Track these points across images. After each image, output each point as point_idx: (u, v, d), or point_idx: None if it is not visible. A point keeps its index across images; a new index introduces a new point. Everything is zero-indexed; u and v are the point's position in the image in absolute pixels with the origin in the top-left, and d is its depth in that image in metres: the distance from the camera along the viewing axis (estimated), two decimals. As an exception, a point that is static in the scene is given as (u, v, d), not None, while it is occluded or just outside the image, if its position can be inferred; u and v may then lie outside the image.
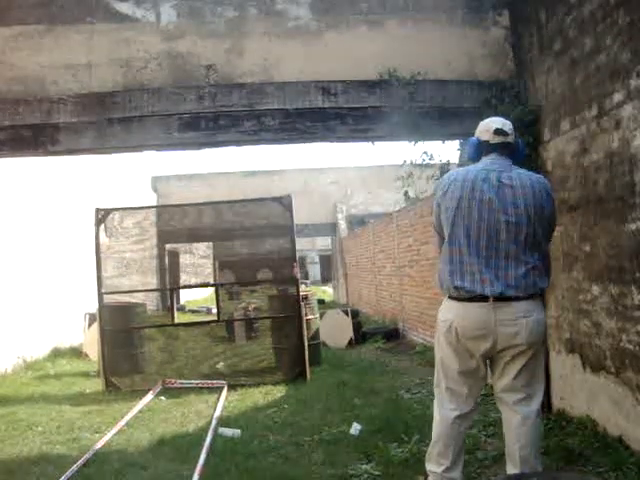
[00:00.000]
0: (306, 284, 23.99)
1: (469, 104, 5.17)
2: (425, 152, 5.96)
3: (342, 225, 22.21)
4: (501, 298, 3.12)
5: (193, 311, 19.46)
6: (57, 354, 10.38)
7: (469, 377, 3.31)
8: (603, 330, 4.14)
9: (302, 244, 27.53)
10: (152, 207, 12.84)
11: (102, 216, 8.00)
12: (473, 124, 3.69)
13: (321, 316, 10.07)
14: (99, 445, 4.95)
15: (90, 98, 5.07)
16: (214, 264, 17.02)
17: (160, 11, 5.21)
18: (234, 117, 5.16)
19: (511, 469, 3.24)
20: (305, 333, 7.78)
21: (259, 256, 11.06)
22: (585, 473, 3.72)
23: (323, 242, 32.95)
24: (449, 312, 3.29)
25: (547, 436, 4.22)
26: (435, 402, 3.45)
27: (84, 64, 5.10)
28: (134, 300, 8.75)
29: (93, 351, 9.50)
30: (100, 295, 7.84)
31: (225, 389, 7.07)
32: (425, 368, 8.05)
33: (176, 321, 8.78)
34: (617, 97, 3.81)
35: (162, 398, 6.90)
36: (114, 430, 5.42)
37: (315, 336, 8.80)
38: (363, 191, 22.88)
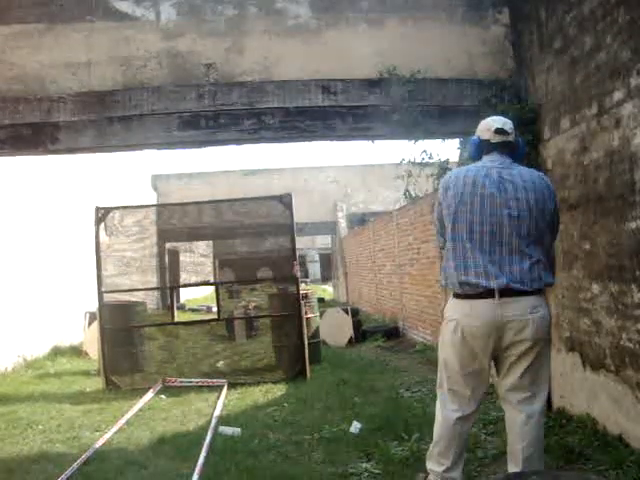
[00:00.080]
0: (306, 282, 24.02)
1: (469, 102, 5.17)
2: (424, 151, 5.96)
3: (342, 223, 22.22)
4: (507, 293, 3.12)
5: (193, 310, 19.46)
6: (57, 353, 10.39)
7: (472, 379, 3.30)
8: (603, 328, 4.14)
9: (302, 242, 27.52)
10: (152, 206, 12.82)
11: (102, 215, 8.00)
12: (473, 122, 3.69)
13: (321, 314, 10.08)
14: (99, 443, 4.95)
15: (90, 97, 5.07)
16: (214, 263, 17.06)
17: (160, 9, 5.20)
18: (234, 116, 5.16)
19: (512, 468, 3.23)
20: (305, 331, 7.78)
21: (259, 255, 11.06)
22: (585, 471, 3.72)
23: (323, 240, 32.94)
24: (455, 311, 3.29)
25: (547, 434, 4.21)
26: (437, 402, 3.45)
27: (84, 63, 5.10)
28: (134, 299, 8.74)
29: (93, 350, 9.51)
30: (100, 294, 7.84)
31: (225, 388, 7.07)
32: (425, 366, 8.05)
33: (176, 320, 8.79)
34: (617, 95, 3.81)
35: (162, 397, 6.90)
36: (114, 429, 5.42)
37: (315, 334, 8.81)
38: (363, 189, 22.89)
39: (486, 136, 3.40)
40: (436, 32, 5.30)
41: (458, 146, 5.99)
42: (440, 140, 5.87)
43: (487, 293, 3.14)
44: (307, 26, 5.28)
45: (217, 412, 5.87)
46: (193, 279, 23.16)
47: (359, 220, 20.81)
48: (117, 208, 8.49)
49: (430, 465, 3.40)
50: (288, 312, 7.97)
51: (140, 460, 4.57)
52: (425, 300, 10.27)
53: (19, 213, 9.66)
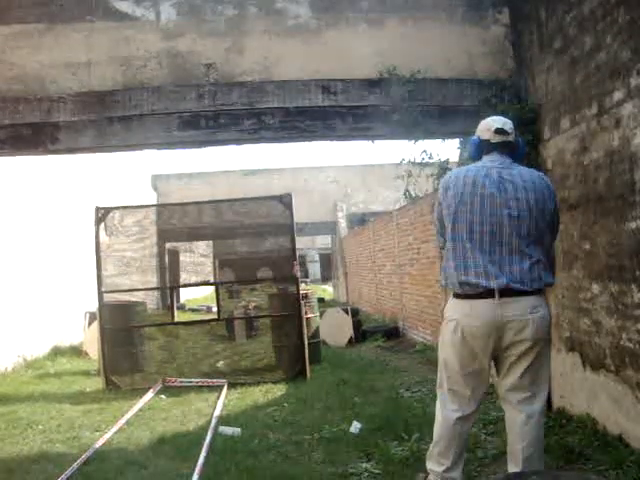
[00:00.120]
0: (306, 282, 24.01)
1: (469, 102, 5.17)
2: (424, 151, 5.96)
3: (342, 223, 22.22)
4: (507, 293, 3.12)
5: (193, 310, 19.46)
6: (57, 353, 10.39)
7: (472, 379, 3.30)
8: (603, 328, 4.14)
9: (302, 242, 27.53)
10: (152, 206, 12.82)
11: (102, 215, 8.00)
12: (473, 122, 3.69)
13: (321, 314, 10.08)
14: (99, 443, 4.95)
15: (90, 97, 5.07)
16: (214, 263, 17.06)
17: (160, 9, 5.20)
18: (234, 116, 5.16)
19: (512, 468, 3.23)
20: (305, 331, 7.78)
21: (259, 255, 11.06)
22: (585, 471, 3.72)
23: (323, 240, 32.93)
24: (455, 311, 3.28)
25: (547, 434, 4.20)
26: (437, 402, 3.45)
27: (84, 63, 5.11)
28: (134, 299, 8.74)
29: (93, 350, 9.51)
30: (100, 294, 7.84)
31: (225, 387, 7.07)
32: (425, 366, 8.05)
33: (176, 320, 8.79)
34: (617, 95, 3.81)
35: (162, 397, 6.90)
36: (114, 429, 5.42)
37: (315, 334, 8.81)
38: (363, 189, 22.90)
39: (486, 136, 3.40)
40: (436, 32, 5.30)
41: (458, 146, 5.99)
42: (440, 140, 5.87)
43: (487, 293, 3.14)
44: (307, 26, 5.28)
45: (217, 412, 5.87)
46: (193, 279, 23.15)
47: (359, 220, 20.81)
48: (117, 208, 8.49)
49: (430, 465, 3.40)
50: (288, 312, 7.97)
51: (140, 460, 4.57)
52: (425, 300, 10.27)
53: (19, 213, 9.66)
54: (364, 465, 4.17)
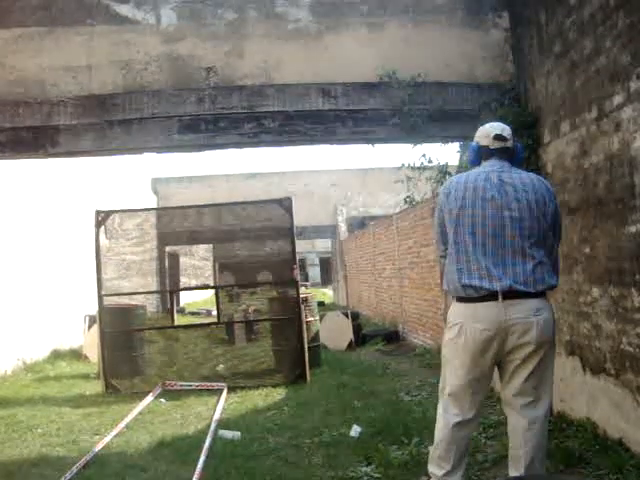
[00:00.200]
0: (306, 286, 23.99)
1: (469, 106, 5.17)
2: (424, 155, 5.98)
3: (342, 227, 22.23)
4: (510, 295, 3.12)
5: (193, 313, 19.45)
6: (57, 356, 10.38)
7: (475, 383, 3.28)
8: (603, 332, 4.14)
9: (302, 246, 27.53)
10: (152, 209, 12.85)
11: (102, 218, 8.01)
12: (473, 126, 3.70)
13: (321, 318, 10.07)
14: (99, 447, 4.94)
15: (90, 100, 5.07)
16: (214, 266, 17.03)
17: (160, 13, 5.21)
18: (234, 119, 5.17)
19: (513, 472, 3.22)
20: (305, 335, 7.78)
21: (259, 258, 11.04)
22: (585, 476, 3.71)
23: (323, 244, 32.94)
24: (458, 315, 3.28)
25: (547, 439, 4.22)
26: (439, 406, 3.44)
27: (84, 66, 5.11)
28: (134, 302, 8.74)
29: (93, 353, 9.50)
30: (100, 297, 7.84)
31: (225, 391, 7.06)
32: (425, 370, 8.05)
33: (176, 323, 8.79)
34: (617, 99, 3.81)
35: (162, 400, 6.89)
36: (114, 432, 5.41)
37: (315, 338, 8.79)
38: (363, 193, 22.91)
39: (485, 142, 3.43)
40: (436, 36, 5.31)
41: (458, 150, 6.00)
42: (440, 144, 5.88)
43: (490, 296, 3.14)
44: (307, 30, 5.29)
45: (217, 416, 5.86)
46: (193, 282, 23.17)
47: (359, 224, 20.83)
48: (117, 211, 8.50)
49: (431, 468, 3.40)
50: (288, 316, 7.97)
51: (140, 464, 4.56)
52: (425, 304, 10.27)
53: (19, 216, 9.66)
54: (364, 469, 4.16)
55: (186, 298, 22.91)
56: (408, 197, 7.05)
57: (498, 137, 3.38)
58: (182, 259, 23.32)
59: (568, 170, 4.52)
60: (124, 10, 5.18)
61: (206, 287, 20.62)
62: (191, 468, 4.25)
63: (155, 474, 4.34)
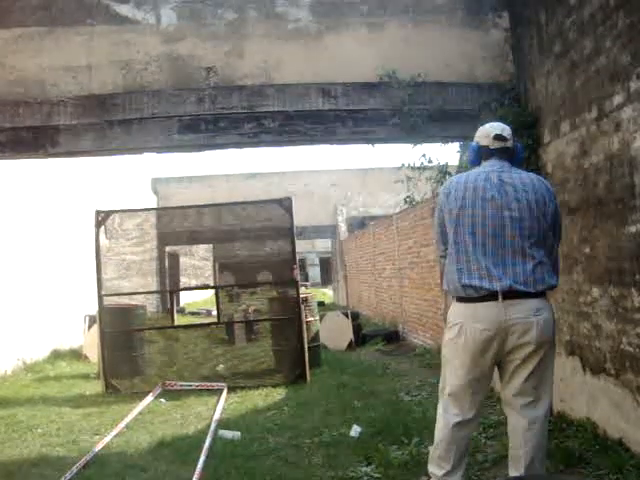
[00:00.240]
0: (306, 286, 23.99)
1: (469, 106, 5.17)
2: (424, 155, 5.98)
3: (342, 227, 22.23)
4: (510, 295, 3.12)
5: (193, 313, 19.45)
6: (57, 356, 10.38)
7: (475, 384, 3.28)
8: (603, 332, 4.14)
9: (302, 246, 27.53)
10: (152, 209, 12.85)
11: (102, 218, 8.01)
12: (473, 126, 3.70)
13: (321, 318, 10.07)
14: (99, 447, 4.94)
15: (90, 100, 5.07)
16: (214, 266, 17.03)
17: (160, 13, 5.21)
18: (234, 119, 5.16)
19: (513, 472, 3.22)
20: (305, 335, 7.78)
21: (259, 258, 11.04)
22: (585, 476, 3.71)
23: (323, 244, 32.95)
24: (458, 315, 3.27)
25: (547, 439, 4.22)
26: (439, 406, 3.44)
27: (84, 66, 5.11)
28: (134, 302, 8.74)
29: (93, 353, 9.50)
30: (100, 297, 7.84)
31: (225, 391, 7.06)
32: (425, 370, 8.05)
33: (176, 323, 8.79)
34: (617, 99, 3.81)
35: (162, 400, 6.89)
36: (114, 432, 5.41)
37: (315, 338, 8.79)
38: (363, 193, 22.91)
39: (485, 142, 3.43)
40: (436, 36, 5.31)
41: (458, 150, 6.00)
42: (440, 144, 5.88)
43: (490, 296, 3.14)
44: (307, 30, 5.29)
45: (217, 416, 5.86)
46: (193, 282, 23.17)
47: (359, 224, 20.83)
48: (117, 211, 8.50)
49: (431, 468, 3.40)
50: (288, 316, 7.97)
51: (140, 464, 4.56)
52: (425, 304, 10.27)
53: (19, 216, 9.66)
54: (364, 469, 4.16)
55: (186, 298, 22.91)
56: (408, 197, 7.06)
57: (498, 137, 3.39)
58: (182, 259, 23.32)
59: (568, 170, 4.52)
60: (124, 10, 5.18)
61: (206, 287, 20.63)
62: (191, 468, 4.25)
63: (155, 474, 4.34)
